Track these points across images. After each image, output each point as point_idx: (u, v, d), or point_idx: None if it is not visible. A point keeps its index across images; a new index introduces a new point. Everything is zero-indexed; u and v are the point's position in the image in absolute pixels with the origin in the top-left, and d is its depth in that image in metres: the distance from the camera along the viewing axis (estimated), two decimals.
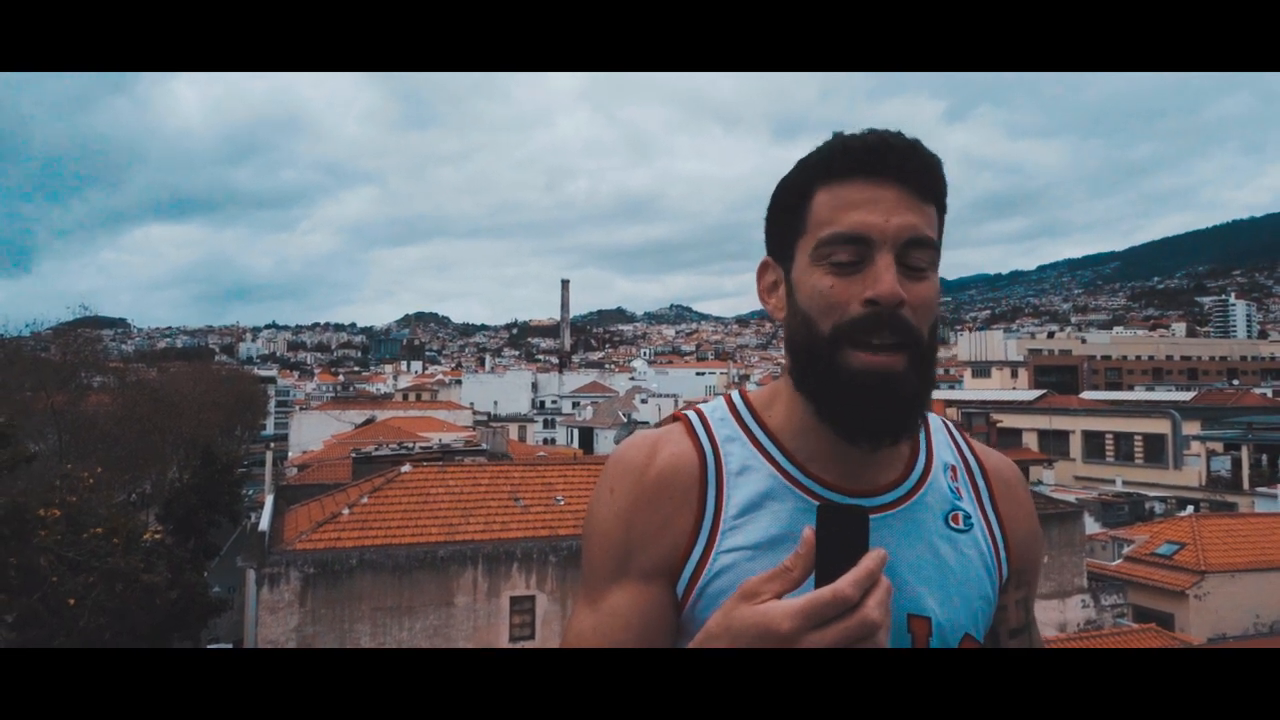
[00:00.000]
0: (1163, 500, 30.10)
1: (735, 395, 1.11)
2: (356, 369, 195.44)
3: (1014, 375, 67.20)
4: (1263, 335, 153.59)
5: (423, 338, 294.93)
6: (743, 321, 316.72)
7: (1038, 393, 51.38)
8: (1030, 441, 38.35)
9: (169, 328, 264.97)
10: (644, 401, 57.91)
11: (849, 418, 0.94)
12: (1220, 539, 18.91)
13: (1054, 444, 37.78)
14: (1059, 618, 16.51)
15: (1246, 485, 29.47)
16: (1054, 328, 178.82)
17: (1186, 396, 49.63)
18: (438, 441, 28.88)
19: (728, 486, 1.00)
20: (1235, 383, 69.59)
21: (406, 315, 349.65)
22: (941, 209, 0.98)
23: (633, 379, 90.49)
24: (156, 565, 14.29)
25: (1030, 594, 1.13)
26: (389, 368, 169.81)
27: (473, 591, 13.69)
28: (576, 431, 55.97)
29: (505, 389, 77.49)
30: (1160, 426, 34.17)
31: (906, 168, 0.93)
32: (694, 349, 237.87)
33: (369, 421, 41.62)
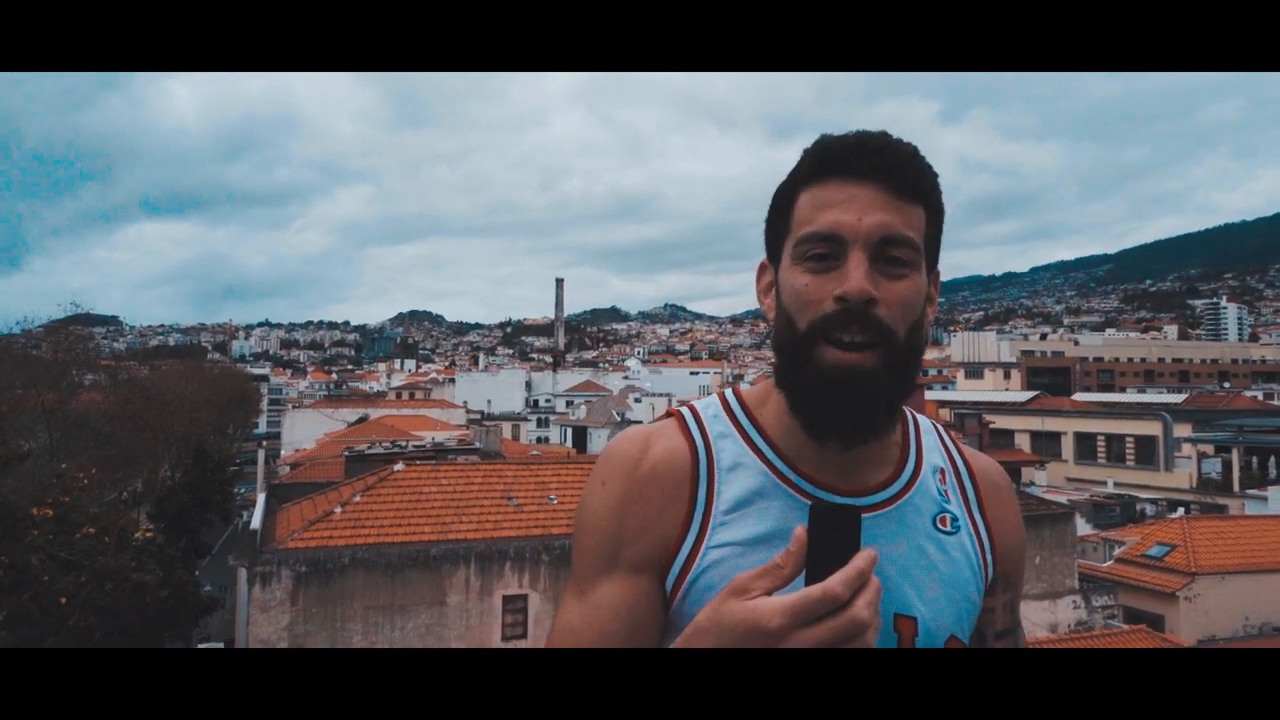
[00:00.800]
0: (1154, 502, 30.22)
1: (729, 393, 1.11)
2: (350, 367, 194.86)
3: (1006, 376, 67.46)
4: (1254, 338, 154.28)
5: (416, 336, 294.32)
6: (737, 321, 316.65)
7: (1030, 394, 51.56)
8: (1022, 443, 38.49)
9: (161, 325, 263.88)
10: (638, 401, 57.84)
11: (816, 414, 0.94)
12: (1211, 541, 18.99)
13: (1046, 445, 37.91)
14: (1050, 618, 16.57)
15: (1237, 487, 29.62)
16: (1047, 329, 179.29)
17: (1178, 399, 49.79)
18: (431, 440, 28.87)
19: (719, 482, 1.00)
20: (1226, 385, 69.81)
21: (400, 314, 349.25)
22: (931, 208, 0.97)
23: (626, 378, 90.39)
24: (148, 564, 14.25)
25: (1016, 597, 1.13)
26: (382, 366, 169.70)
27: (465, 590, 13.68)
28: (570, 430, 55.92)
29: (499, 388, 77.44)
30: (1152, 429, 34.32)
31: (883, 167, 0.93)
32: (688, 349, 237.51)
33: (362, 420, 41.57)
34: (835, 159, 0.95)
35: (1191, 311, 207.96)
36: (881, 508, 1.01)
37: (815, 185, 0.95)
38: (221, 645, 20.48)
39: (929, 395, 51.31)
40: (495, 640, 13.75)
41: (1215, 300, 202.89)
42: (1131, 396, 56.69)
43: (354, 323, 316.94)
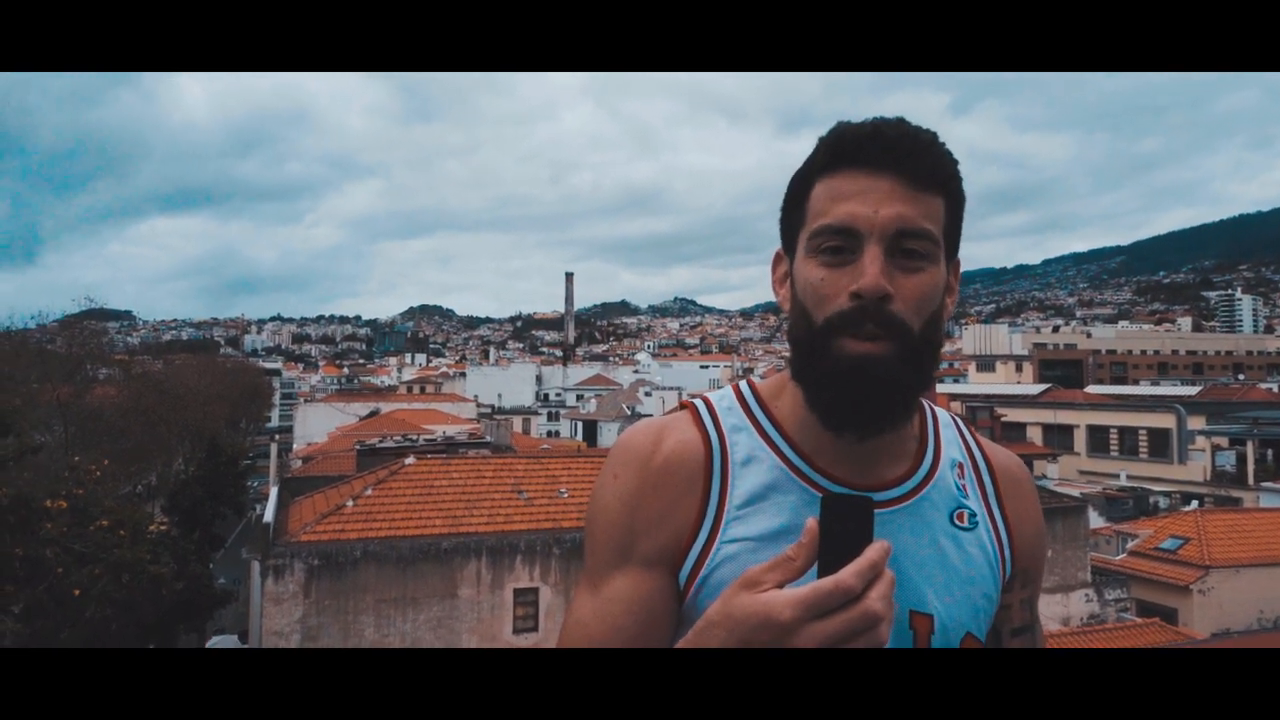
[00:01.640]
0: (1167, 495, 30.07)
1: (743, 385, 1.09)
2: (361, 361, 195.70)
3: (1019, 369, 67.07)
4: (1269, 330, 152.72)
5: (427, 330, 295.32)
6: (747, 315, 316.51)
7: (1042, 387, 51.33)
8: (1035, 436, 38.33)
9: (174, 320, 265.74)
10: (648, 394, 57.86)
11: (832, 405, 0.93)
12: (1224, 534, 18.89)
13: (1058, 438, 37.72)
14: (1063, 612, 16.52)
15: (1251, 480, 29.41)
16: (1059, 322, 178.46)
17: (1192, 391, 49.49)
18: (442, 434, 28.94)
19: (733, 476, 0.99)
20: (1241, 378, 69.36)
21: (411, 308, 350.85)
22: (951, 197, 0.95)
23: (637, 372, 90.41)
24: (162, 557, 14.33)
25: (1034, 594, 1.11)
26: (393, 360, 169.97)
27: (476, 583, 13.73)
28: (580, 424, 56.07)
29: (509, 382, 77.71)
30: (1165, 421, 34.11)
31: (901, 157, 0.91)
32: (698, 342, 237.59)
33: (373, 414, 41.74)
34: (850, 148, 0.93)
35: (1206, 303, 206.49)
36: (898, 503, 0.99)
37: (830, 175, 0.94)
38: (236, 638, 20.67)
39: (940, 388, 51.16)
40: (506, 632, 13.80)
41: (1230, 292, 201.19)
42: (1145, 389, 56.39)
43: (365, 317, 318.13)
